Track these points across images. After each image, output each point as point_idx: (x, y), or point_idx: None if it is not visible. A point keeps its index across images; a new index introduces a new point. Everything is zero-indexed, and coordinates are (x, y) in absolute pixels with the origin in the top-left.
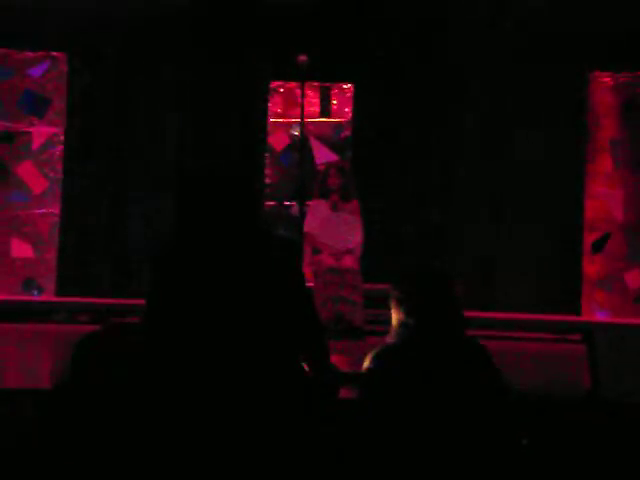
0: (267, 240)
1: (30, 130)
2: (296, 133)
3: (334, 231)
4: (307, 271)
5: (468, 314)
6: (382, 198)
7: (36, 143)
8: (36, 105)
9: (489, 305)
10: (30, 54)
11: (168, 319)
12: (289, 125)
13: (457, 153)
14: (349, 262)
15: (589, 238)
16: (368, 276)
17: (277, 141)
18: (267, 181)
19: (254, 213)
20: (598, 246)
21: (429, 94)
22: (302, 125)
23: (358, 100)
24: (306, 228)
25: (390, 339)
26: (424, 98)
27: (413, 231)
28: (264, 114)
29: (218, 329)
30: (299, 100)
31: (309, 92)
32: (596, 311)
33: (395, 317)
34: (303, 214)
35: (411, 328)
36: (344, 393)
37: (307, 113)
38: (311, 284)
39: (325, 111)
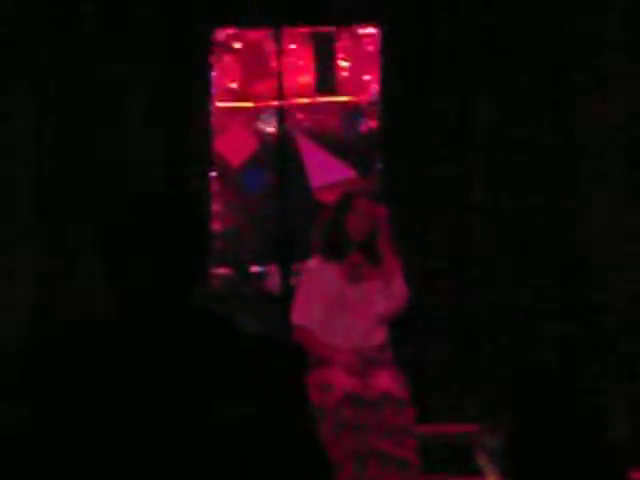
0: (235, 347)
1: None
2: (270, 129)
3: (356, 321)
4: None
5: None
6: (449, 249)
7: None
8: None
9: None
10: None
11: None
12: (255, 114)
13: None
14: (388, 382)
15: None
16: (430, 409)
17: (233, 147)
18: (216, 227)
19: (189, 291)
20: None
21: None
22: (281, 113)
23: (390, 55)
24: (296, 317)
25: None
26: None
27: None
28: (204, 94)
29: None
30: (273, 64)
31: (292, 45)
32: None
33: None
34: (289, 290)
35: None
36: None
37: (291, 90)
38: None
39: (326, 82)
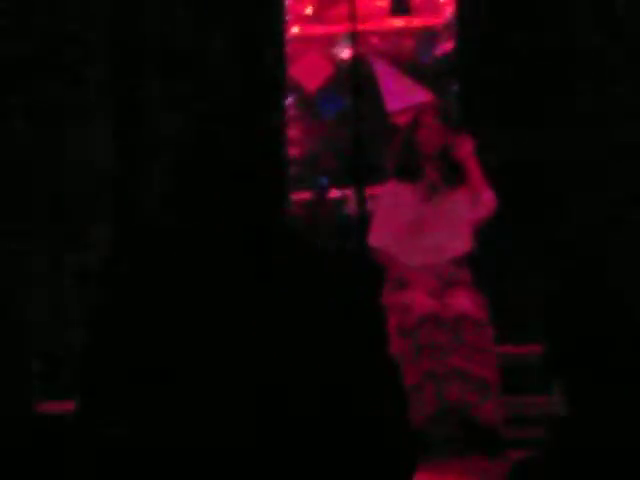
0: (313, 267)
1: None
2: (345, 55)
3: (432, 242)
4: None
5: None
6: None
7: None
8: None
9: None
10: None
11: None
12: (330, 40)
13: None
14: (466, 303)
15: None
16: (511, 330)
17: (308, 73)
18: (291, 153)
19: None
20: None
21: None
22: (355, 38)
23: None
24: (373, 240)
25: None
26: None
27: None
28: (277, 22)
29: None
30: None
31: None
32: None
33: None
34: (365, 213)
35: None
36: None
37: (365, 14)
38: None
39: (401, 5)
